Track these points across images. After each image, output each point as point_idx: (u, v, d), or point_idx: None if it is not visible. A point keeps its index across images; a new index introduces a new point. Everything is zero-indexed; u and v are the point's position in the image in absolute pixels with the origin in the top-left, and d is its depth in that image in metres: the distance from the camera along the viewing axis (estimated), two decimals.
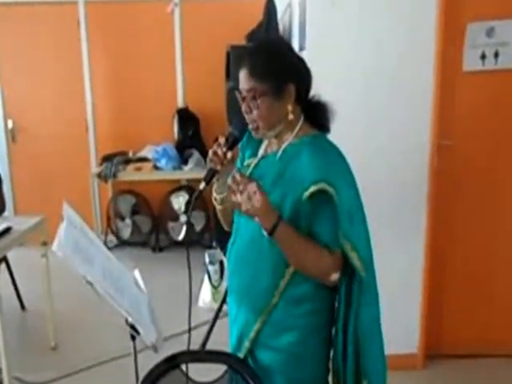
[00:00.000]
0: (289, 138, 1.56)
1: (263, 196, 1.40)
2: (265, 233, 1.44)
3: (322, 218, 1.48)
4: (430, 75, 2.93)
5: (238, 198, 1.41)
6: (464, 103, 3.07)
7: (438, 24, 2.88)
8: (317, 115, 1.58)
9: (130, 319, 1.49)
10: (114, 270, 1.58)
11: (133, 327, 1.50)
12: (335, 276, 1.51)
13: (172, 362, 1.57)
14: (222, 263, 4.07)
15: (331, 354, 1.66)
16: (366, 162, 2.85)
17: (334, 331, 1.64)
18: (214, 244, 4.91)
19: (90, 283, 1.37)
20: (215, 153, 1.55)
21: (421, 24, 2.89)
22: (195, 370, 1.63)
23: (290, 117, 1.52)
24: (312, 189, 1.44)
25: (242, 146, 1.72)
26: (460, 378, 3.11)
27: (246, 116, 1.55)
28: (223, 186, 1.65)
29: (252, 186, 1.40)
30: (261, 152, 1.66)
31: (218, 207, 1.75)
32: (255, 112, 1.51)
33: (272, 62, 1.50)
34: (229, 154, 1.55)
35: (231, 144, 1.57)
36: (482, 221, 3.19)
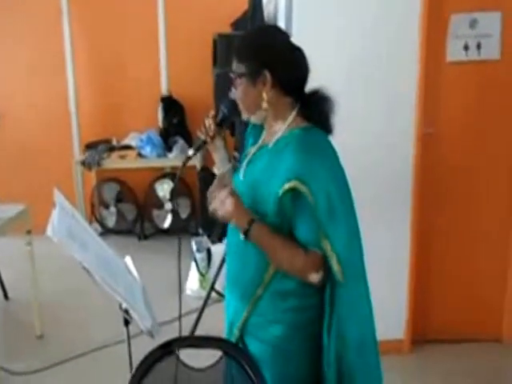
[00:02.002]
0: (281, 129, 1.54)
1: (234, 198, 1.45)
2: (241, 235, 1.47)
3: (298, 216, 1.47)
4: (415, 64, 2.96)
5: (214, 204, 1.47)
6: (448, 93, 3.11)
7: (423, 13, 2.91)
8: (311, 110, 1.54)
9: (124, 305, 1.50)
10: (107, 257, 1.58)
11: (127, 313, 1.51)
12: (314, 276, 1.47)
13: (167, 348, 1.55)
14: (209, 251, 4.07)
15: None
16: (349, 150, 2.87)
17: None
18: (201, 231, 4.91)
19: (87, 269, 1.37)
20: (204, 124, 1.68)
21: (406, 13, 2.92)
22: (189, 356, 1.61)
23: (264, 105, 1.52)
24: (286, 186, 1.42)
25: (247, 134, 1.75)
26: (446, 362, 3.16)
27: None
28: (220, 162, 1.76)
29: (223, 192, 1.46)
30: (259, 141, 1.66)
31: None
32: (236, 93, 1.56)
33: (251, 47, 1.53)
34: (212, 127, 1.66)
35: (220, 120, 1.68)
36: (467, 208, 3.23)
